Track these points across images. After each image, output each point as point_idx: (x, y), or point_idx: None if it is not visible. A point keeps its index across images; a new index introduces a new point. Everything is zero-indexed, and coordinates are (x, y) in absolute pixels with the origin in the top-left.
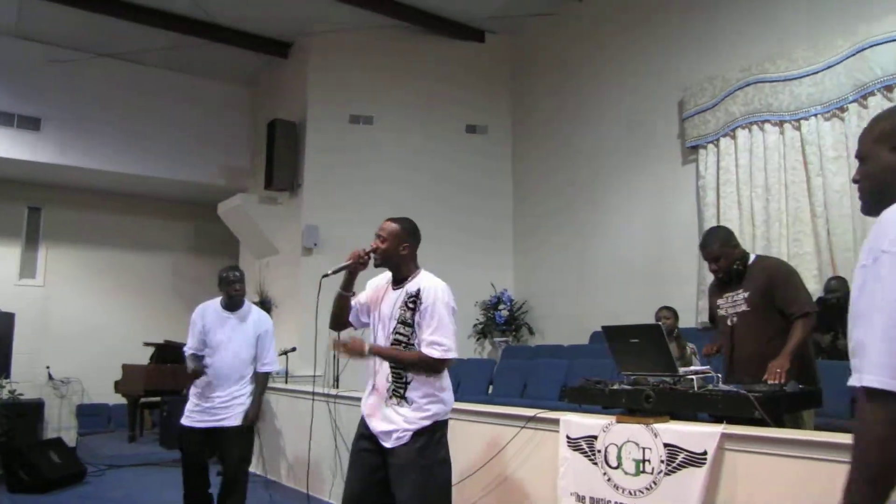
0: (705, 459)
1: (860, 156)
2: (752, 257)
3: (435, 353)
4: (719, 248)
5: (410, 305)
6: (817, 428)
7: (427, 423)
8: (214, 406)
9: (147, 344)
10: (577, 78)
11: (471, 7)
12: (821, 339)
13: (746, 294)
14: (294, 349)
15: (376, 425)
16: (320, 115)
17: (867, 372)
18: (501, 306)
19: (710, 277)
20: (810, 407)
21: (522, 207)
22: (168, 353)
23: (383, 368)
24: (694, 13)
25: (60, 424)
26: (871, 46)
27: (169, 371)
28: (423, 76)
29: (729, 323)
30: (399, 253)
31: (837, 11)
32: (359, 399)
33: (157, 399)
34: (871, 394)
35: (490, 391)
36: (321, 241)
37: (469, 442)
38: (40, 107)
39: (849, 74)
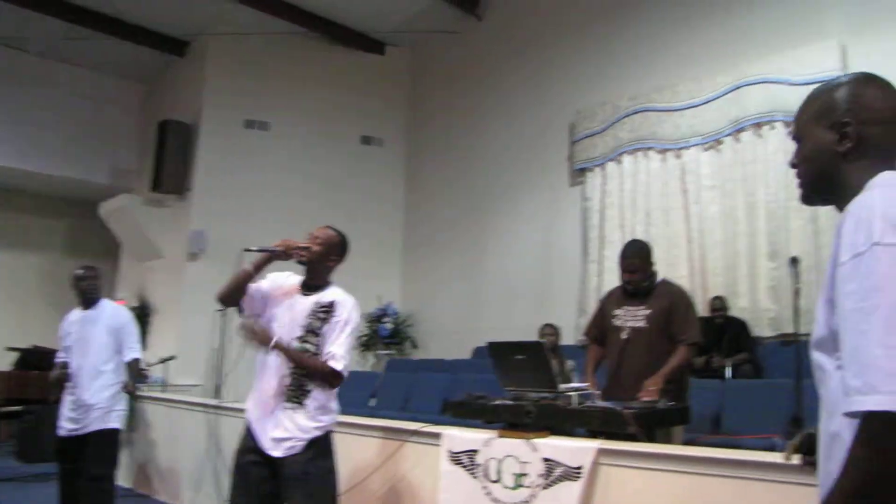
0: (581, 473)
1: (796, 136)
2: (659, 277)
3: (338, 366)
4: (641, 262)
5: (322, 315)
6: (685, 443)
7: (319, 433)
8: (76, 412)
9: (11, 349)
10: (473, 95)
11: (373, 19)
12: (695, 360)
13: (648, 311)
14: (174, 357)
15: (267, 431)
16: (215, 118)
17: (879, 392)
18: (386, 319)
19: (591, 296)
20: (681, 423)
21: (413, 222)
22: (35, 360)
23: (280, 371)
24: (590, 41)
25: None
26: (746, 85)
27: (34, 378)
28: (321, 85)
29: (622, 335)
30: (326, 263)
31: (719, 51)
32: (242, 410)
33: (19, 408)
34: (880, 417)
35: (373, 404)
36: (208, 247)
37: (352, 455)
38: None
39: (726, 109)
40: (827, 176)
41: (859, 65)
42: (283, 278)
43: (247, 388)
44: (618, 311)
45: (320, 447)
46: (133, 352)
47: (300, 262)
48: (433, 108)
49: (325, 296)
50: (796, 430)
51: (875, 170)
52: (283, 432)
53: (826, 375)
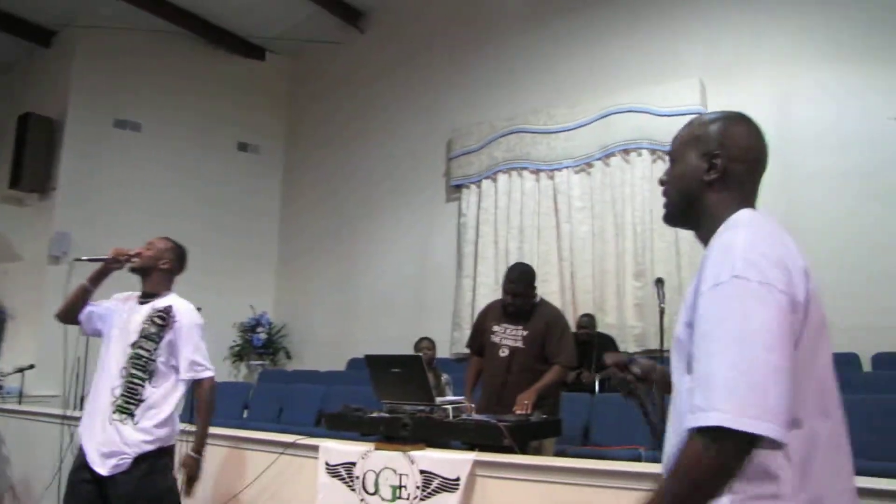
0: (458, 485)
1: (671, 156)
2: (537, 298)
3: (207, 374)
4: (524, 288)
5: (158, 321)
6: (557, 454)
7: (151, 447)
8: None
9: None
10: (353, 107)
11: (254, 25)
12: (566, 375)
13: (525, 333)
14: (32, 366)
15: (92, 446)
16: (82, 115)
17: (717, 409)
18: (260, 329)
19: (466, 310)
20: (552, 435)
21: (289, 231)
22: None
23: (110, 380)
24: (469, 61)
25: None
26: (615, 113)
27: None
28: (198, 88)
29: (500, 353)
30: (158, 266)
31: (592, 80)
32: None
33: None
34: (712, 433)
35: (245, 415)
36: (72, 250)
37: (224, 468)
38: None
39: (597, 135)
40: (691, 200)
41: (716, 100)
42: (125, 294)
43: None
44: (496, 328)
45: (153, 464)
46: None
47: (133, 271)
48: (312, 117)
49: (161, 302)
50: (658, 442)
51: (734, 203)
52: (109, 446)
53: (678, 396)
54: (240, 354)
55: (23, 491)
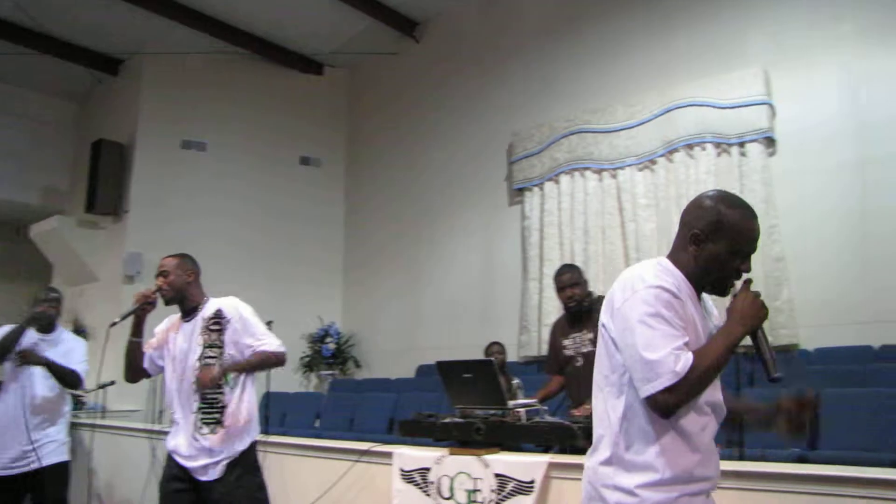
0: (533, 487)
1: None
2: (595, 295)
3: (274, 345)
4: (577, 276)
5: (214, 328)
6: None
7: (243, 447)
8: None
9: None
10: (412, 116)
11: (311, 40)
12: None
13: (591, 335)
14: (113, 382)
15: (188, 461)
16: (150, 138)
17: (650, 381)
18: (328, 339)
19: (532, 314)
20: None
21: (353, 241)
22: None
23: (189, 397)
24: (526, 64)
25: None
26: (677, 108)
27: None
28: (259, 105)
29: (577, 364)
30: (186, 281)
31: (651, 75)
32: None
33: None
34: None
35: (318, 425)
36: (144, 270)
37: (300, 477)
38: None
39: (659, 131)
40: None
41: (781, 89)
42: (165, 323)
43: None
44: (566, 342)
45: (246, 464)
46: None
47: (168, 303)
48: (372, 128)
49: (207, 311)
50: (739, 438)
51: None
52: (205, 458)
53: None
54: (310, 365)
55: (109, 502)
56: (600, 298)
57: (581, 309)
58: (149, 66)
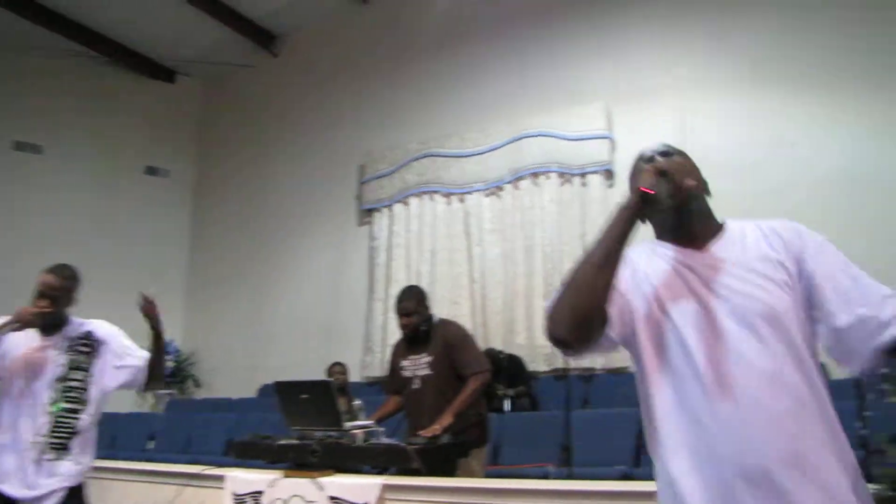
0: None
1: (690, 167)
2: (435, 319)
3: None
4: (415, 305)
5: (85, 349)
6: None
7: (82, 478)
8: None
9: None
10: (265, 131)
11: (164, 46)
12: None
13: (430, 359)
14: None
15: (21, 492)
16: None
17: None
18: (167, 356)
19: (377, 334)
20: (460, 456)
21: (199, 256)
22: None
23: (33, 417)
24: (381, 86)
25: None
26: (525, 137)
27: None
28: (103, 109)
29: (413, 385)
30: (70, 306)
31: (503, 104)
32: None
33: None
34: None
35: (151, 447)
36: None
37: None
38: None
39: (507, 159)
40: (703, 193)
41: (622, 126)
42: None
43: None
44: (405, 363)
45: (81, 495)
46: None
47: (49, 318)
48: (224, 141)
49: (72, 330)
50: (567, 457)
51: None
52: (46, 486)
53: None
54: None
55: None
56: (442, 322)
57: (418, 334)
58: None
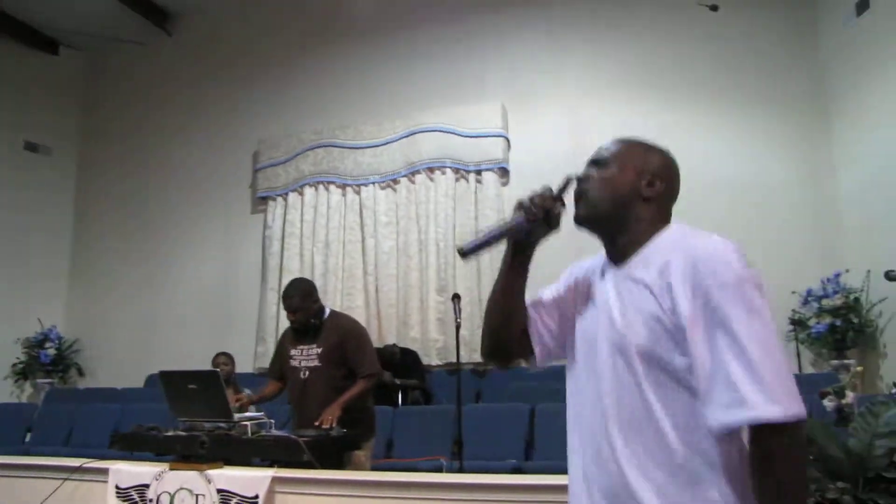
0: (257, 502)
1: (602, 162)
2: (327, 311)
3: None
4: (300, 301)
5: None
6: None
7: None
8: None
9: None
10: (156, 112)
11: (46, 14)
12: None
13: (320, 350)
14: None
15: None
16: None
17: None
18: (48, 344)
19: (270, 324)
20: (353, 449)
21: (83, 239)
22: None
23: None
24: (277, 73)
25: None
26: (421, 132)
27: None
28: None
29: (301, 375)
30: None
31: (400, 98)
32: None
33: None
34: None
35: (28, 439)
36: None
37: (1, 500)
38: None
39: (403, 152)
40: (622, 206)
41: (517, 125)
42: None
43: None
44: (293, 352)
45: None
46: None
47: None
48: (112, 120)
49: None
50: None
51: (662, 219)
52: None
53: (632, 391)
54: (24, 373)
55: None
56: (334, 314)
57: (305, 330)
58: None
